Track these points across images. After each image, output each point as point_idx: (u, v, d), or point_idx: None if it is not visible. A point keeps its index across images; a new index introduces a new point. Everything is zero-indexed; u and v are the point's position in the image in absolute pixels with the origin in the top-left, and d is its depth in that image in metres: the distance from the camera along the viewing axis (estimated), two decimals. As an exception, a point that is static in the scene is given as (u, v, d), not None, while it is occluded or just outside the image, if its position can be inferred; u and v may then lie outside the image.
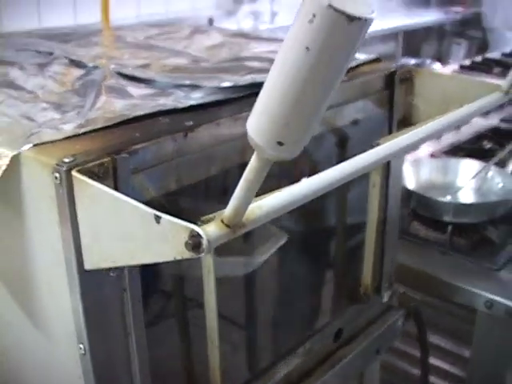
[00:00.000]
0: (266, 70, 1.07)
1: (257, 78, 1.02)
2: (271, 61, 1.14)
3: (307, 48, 0.44)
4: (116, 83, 1.00)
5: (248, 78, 1.02)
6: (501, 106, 2.82)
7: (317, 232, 1.24)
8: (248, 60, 1.15)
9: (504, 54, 3.87)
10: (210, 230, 0.55)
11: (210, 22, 4.06)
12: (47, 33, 1.43)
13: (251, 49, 1.25)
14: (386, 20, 5.47)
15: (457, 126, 1.18)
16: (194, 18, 4.08)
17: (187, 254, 0.54)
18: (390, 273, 1.30)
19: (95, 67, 1.10)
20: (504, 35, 5.97)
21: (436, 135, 0.96)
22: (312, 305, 1.27)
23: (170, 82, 1.01)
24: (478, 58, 3.79)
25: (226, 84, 0.97)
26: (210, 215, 0.59)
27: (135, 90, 0.97)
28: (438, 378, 1.82)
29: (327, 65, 0.45)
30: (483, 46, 6.04)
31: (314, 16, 0.43)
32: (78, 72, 1.08)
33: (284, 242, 1.11)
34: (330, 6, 0.42)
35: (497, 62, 3.60)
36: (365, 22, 0.44)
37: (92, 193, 0.65)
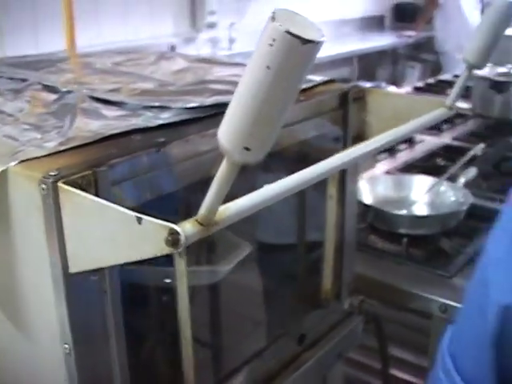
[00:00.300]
0: (229, 92, 1.16)
1: (220, 99, 1.10)
2: (233, 83, 1.23)
3: (268, 67, 0.53)
4: (90, 106, 1.07)
5: (212, 100, 1.10)
6: (452, 126, 2.94)
7: (280, 242, 1.32)
8: (212, 83, 1.23)
9: (456, 76, 4.01)
10: (187, 228, 0.62)
11: (172, 48, 4.15)
12: (17, 61, 1.49)
13: (214, 73, 1.33)
14: (342, 45, 5.63)
15: (405, 138, 1.27)
16: (153, 46, 4.16)
17: (167, 250, 0.62)
18: (349, 280, 1.39)
19: (68, 92, 1.17)
20: (456, 58, 6.15)
21: (386, 147, 1.05)
22: (276, 311, 1.34)
23: (140, 104, 1.08)
24: (431, 80, 3.94)
25: (193, 105, 1.05)
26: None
27: (108, 111, 1.05)
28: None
29: (285, 81, 0.54)
30: (436, 69, 6.22)
31: (273, 40, 0.52)
32: (52, 96, 1.15)
33: (248, 252, 1.19)
34: (287, 31, 0.51)
35: (449, 84, 3.73)
36: (316, 45, 0.52)
37: (77, 201, 0.72)
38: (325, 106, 1.22)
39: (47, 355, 0.86)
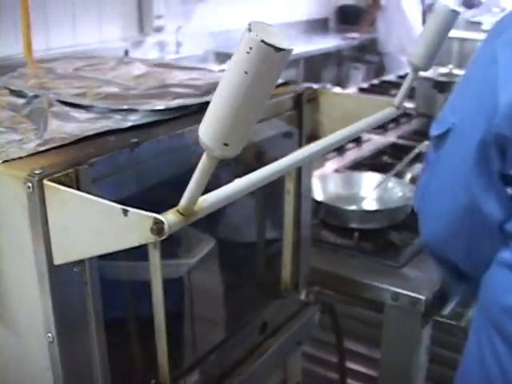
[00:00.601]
0: (190, 95, 1.23)
1: (183, 102, 1.16)
2: (192, 86, 1.30)
3: (245, 72, 0.60)
4: (60, 109, 1.12)
5: (176, 102, 1.16)
6: (397, 125, 3.05)
7: (242, 237, 1.40)
8: (173, 87, 1.29)
9: (399, 77, 4.15)
10: (170, 217, 0.69)
11: (126, 53, 4.18)
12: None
13: (174, 77, 1.39)
14: (288, 47, 5.71)
15: (356, 137, 1.35)
16: (102, 50, 4.20)
17: (152, 238, 0.69)
18: (305, 272, 1.46)
19: (35, 96, 1.22)
20: (399, 59, 6.31)
21: (338, 145, 1.13)
22: (240, 302, 1.41)
23: (108, 107, 1.14)
24: (376, 81, 4.06)
25: (160, 107, 1.11)
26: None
27: (78, 114, 1.10)
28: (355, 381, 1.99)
29: (260, 84, 0.61)
30: (380, 69, 6.36)
31: (250, 48, 0.59)
32: (20, 101, 1.20)
33: (212, 246, 1.26)
34: (262, 41, 0.58)
35: (393, 84, 3.86)
36: (287, 52, 0.60)
37: (63, 198, 0.78)
38: (281, 107, 1.30)
39: (30, 344, 0.92)
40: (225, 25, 5.47)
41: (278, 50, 0.59)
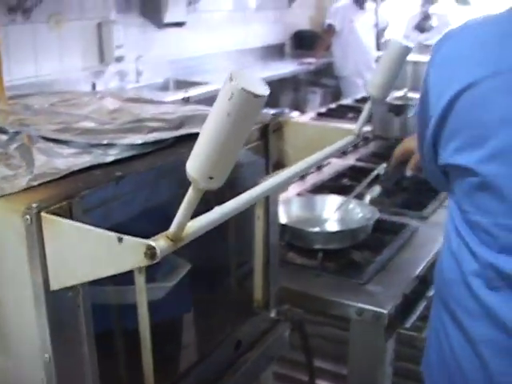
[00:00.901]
0: (164, 129, 1.32)
1: (159, 136, 1.25)
2: (165, 121, 1.39)
3: (228, 114, 0.69)
4: (44, 146, 1.20)
5: (152, 136, 1.24)
6: (356, 148, 3.16)
7: (215, 260, 1.48)
8: (147, 121, 1.37)
9: (356, 100, 4.29)
10: (160, 243, 0.78)
11: (93, 86, 4.24)
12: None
13: (147, 111, 1.47)
14: (246, 74, 5.82)
15: (319, 165, 1.45)
16: (64, 80, 4.26)
17: (145, 262, 0.77)
18: (275, 291, 1.55)
19: (17, 132, 1.29)
20: (355, 82, 6.47)
21: (303, 173, 1.23)
22: (216, 321, 1.49)
23: (88, 142, 1.22)
24: (333, 105, 4.18)
25: (138, 141, 1.20)
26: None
27: (61, 150, 1.18)
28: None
29: (241, 124, 0.70)
30: (337, 93, 6.50)
31: (232, 94, 0.68)
32: (3, 137, 1.28)
33: (188, 270, 1.35)
34: (243, 88, 0.67)
35: (350, 108, 3.99)
36: (264, 97, 0.69)
37: (60, 228, 0.86)
38: (249, 138, 1.39)
39: (28, 365, 0.99)
40: (184, 53, 5.58)
41: (256, 95, 0.69)
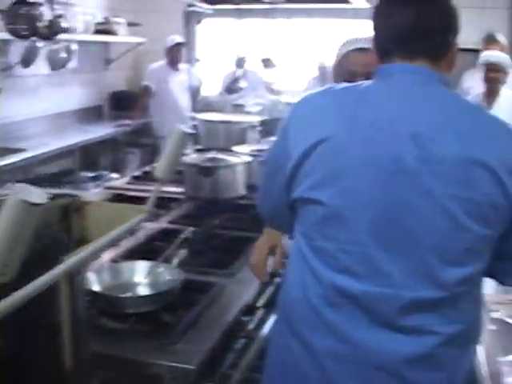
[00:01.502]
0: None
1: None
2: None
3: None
4: None
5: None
6: (168, 210, 3.28)
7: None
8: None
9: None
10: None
11: None
12: None
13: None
14: (62, 138, 5.86)
15: (116, 242, 1.60)
16: None
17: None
18: (88, 358, 1.65)
19: None
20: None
21: (103, 250, 1.37)
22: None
23: None
24: (148, 168, 4.30)
25: None
26: None
27: None
28: None
29: (25, 225, 0.84)
30: (156, 152, 6.61)
31: (15, 203, 0.82)
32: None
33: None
34: (22, 199, 0.81)
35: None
36: (40, 205, 0.84)
37: None
38: (51, 218, 1.50)
39: None
40: (1, 119, 5.51)
41: (33, 204, 0.83)
